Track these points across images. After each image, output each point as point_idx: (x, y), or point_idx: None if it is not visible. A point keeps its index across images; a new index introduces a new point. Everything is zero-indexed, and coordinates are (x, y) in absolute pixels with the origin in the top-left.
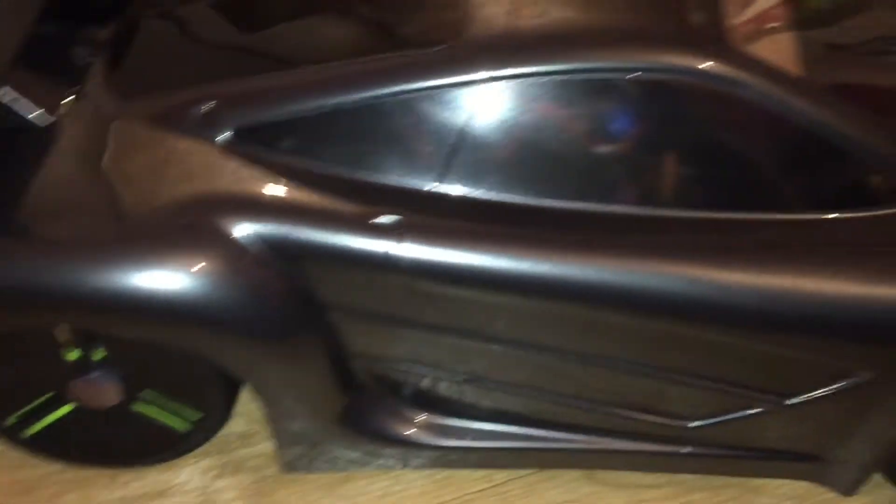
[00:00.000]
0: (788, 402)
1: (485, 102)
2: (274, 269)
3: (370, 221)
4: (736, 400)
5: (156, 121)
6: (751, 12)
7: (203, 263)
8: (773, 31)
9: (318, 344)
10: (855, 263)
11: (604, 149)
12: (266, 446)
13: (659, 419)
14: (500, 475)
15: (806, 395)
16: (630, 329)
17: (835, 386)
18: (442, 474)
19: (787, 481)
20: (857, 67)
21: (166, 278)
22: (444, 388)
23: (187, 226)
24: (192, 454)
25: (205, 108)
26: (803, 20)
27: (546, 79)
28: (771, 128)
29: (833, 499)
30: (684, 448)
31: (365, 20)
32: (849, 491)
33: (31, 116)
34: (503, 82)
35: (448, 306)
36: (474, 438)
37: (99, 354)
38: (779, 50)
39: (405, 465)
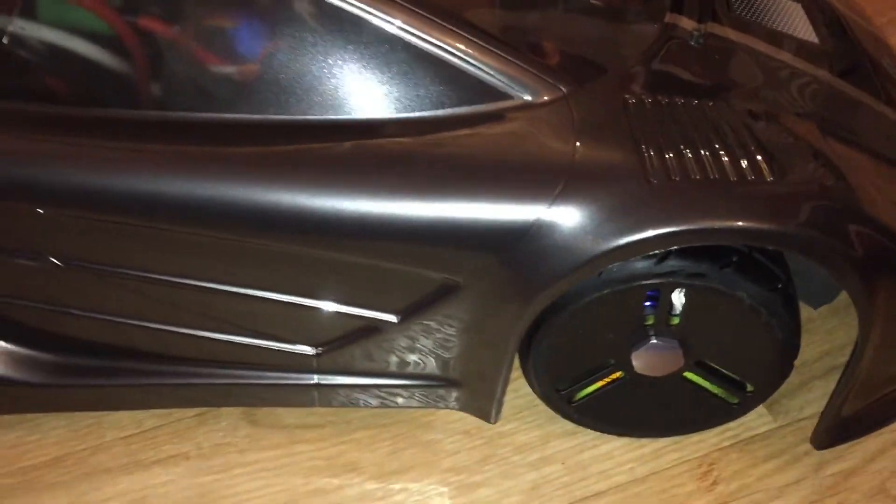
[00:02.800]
0: (397, 319)
1: None
2: None
3: None
4: (349, 320)
5: None
6: None
7: None
8: None
9: None
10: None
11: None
12: None
13: (283, 346)
14: (151, 420)
15: (409, 309)
16: (219, 246)
17: (431, 295)
18: (87, 420)
19: (459, 416)
20: None
21: None
22: (40, 319)
23: None
24: None
25: None
26: None
27: None
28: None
29: (503, 431)
30: (316, 378)
31: None
32: (492, 416)
33: None
34: None
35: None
36: (96, 377)
37: None
38: None
39: (40, 409)
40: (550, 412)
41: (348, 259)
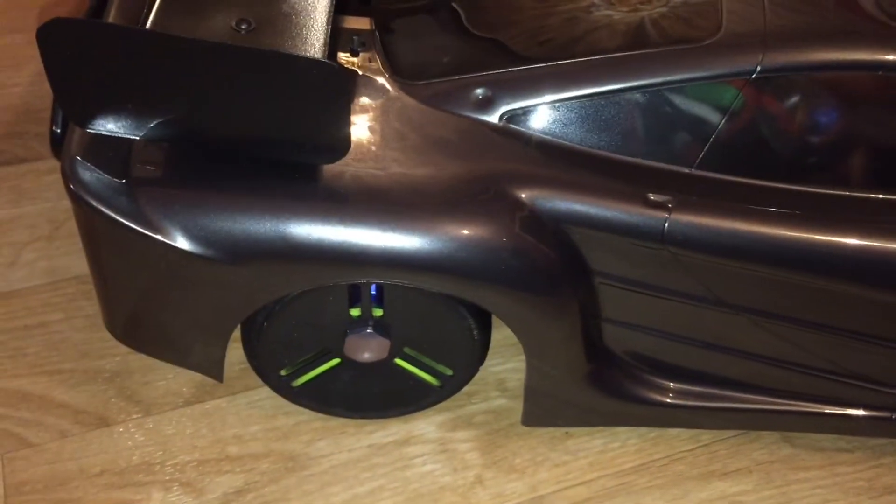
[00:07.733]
0: None
1: (743, 96)
2: (553, 236)
3: (647, 197)
4: None
5: (435, 102)
6: None
7: (506, 229)
8: None
9: (580, 306)
10: None
11: (854, 138)
12: (489, 405)
13: (875, 386)
14: (705, 436)
15: None
16: (861, 300)
17: None
18: (653, 433)
19: None
20: None
21: (473, 241)
22: (675, 353)
23: (491, 197)
24: (427, 410)
25: (481, 92)
26: None
27: (803, 73)
28: None
29: None
30: (892, 414)
31: (627, 18)
32: None
33: None
34: (760, 77)
35: (703, 277)
36: (691, 399)
37: (378, 312)
38: None
39: (621, 424)
40: None
41: None
